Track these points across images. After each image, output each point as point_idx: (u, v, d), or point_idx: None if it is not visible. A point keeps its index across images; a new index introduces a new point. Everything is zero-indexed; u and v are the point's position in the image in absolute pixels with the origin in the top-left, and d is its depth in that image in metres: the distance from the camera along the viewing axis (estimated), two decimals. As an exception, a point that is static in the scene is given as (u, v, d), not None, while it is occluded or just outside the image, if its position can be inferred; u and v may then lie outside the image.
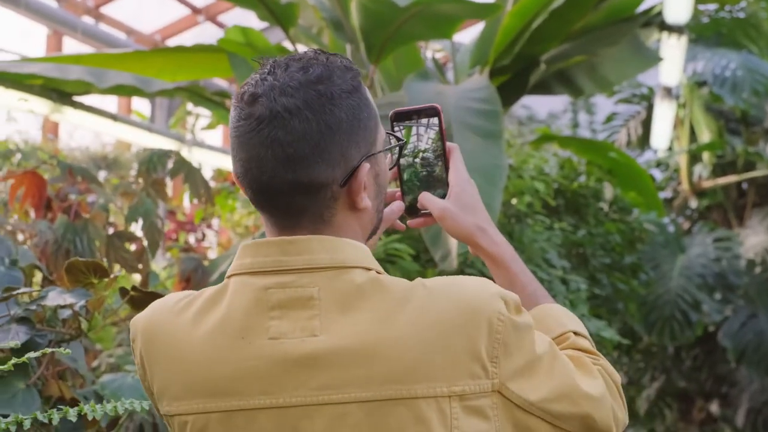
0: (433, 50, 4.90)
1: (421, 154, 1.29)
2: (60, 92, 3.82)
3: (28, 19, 5.12)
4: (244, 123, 1.08)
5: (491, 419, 1.08)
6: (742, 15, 5.96)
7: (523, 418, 1.10)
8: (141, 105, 6.89)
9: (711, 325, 6.00)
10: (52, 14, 5.17)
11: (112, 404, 1.34)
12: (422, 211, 1.31)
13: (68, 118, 4.07)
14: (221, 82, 6.00)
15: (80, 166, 2.72)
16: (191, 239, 4.80)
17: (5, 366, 1.17)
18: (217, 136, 7.34)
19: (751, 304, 5.85)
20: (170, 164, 3.10)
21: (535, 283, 1.30)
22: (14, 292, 1.64)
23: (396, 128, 1.29)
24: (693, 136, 6.65)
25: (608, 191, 4.69)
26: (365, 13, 3.43)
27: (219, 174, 5.64)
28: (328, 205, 1.11)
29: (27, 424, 1.21)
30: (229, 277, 1.13)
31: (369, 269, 1.10)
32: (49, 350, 1.27)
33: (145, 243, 2.67)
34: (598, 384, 1.15)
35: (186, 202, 5.46)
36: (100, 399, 1.79)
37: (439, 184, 1.29)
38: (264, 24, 4.82)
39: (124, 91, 3.87)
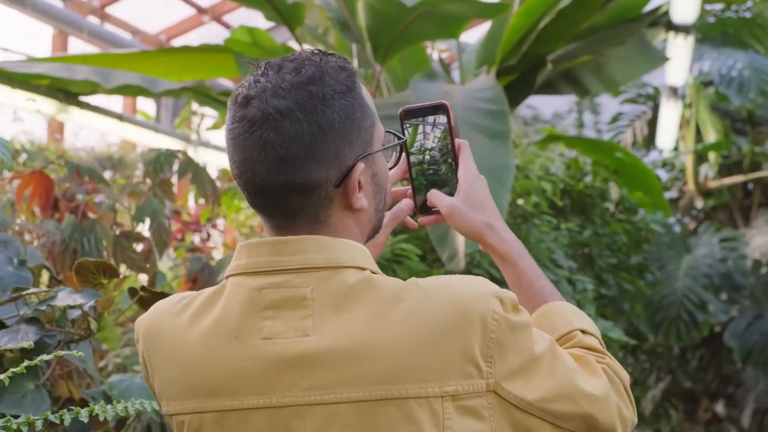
0: (438, 50, 4.89)
1: (430, 152, 1.29)
2: (66, 92, 3.83)
3: (33, 19, 5.13)
4: (237, 125, 1.08)
5: (487, 419, 1.07)
6: (748, 15, 5.94)
7: (521, 418, 1.09)
8: (146, 105, 6.89)
9: (717, 326, 5.99)
10: (57, 14, 5.17)
11: (123, 404, 1.34)
12: (433, 209, 1.30)
13: (74, 118, 4.08)
14: (226, 82, 6.01)
15: (88, 166, 2.72)
16: (196, 239, 4.80)
17: (18, 368, 1.17)
18: (223, 136, 7.34)
19: (758, 305, 5.84)
20: (176, 164, 3.10)
21: (543, 281, 1.28)
22: (24, 293, 1.64)
23: (405, 126, 1.28)
24: (699, 136, 6.64)
25: (614, 191, 4.68)
26: (372, 13, 3.43)
27: (224, 174, 5.63)
28: (323, 206, 1.11)
29: (39, 424, 1.21)
30: (227, 277, 1.14)
31: (363, 269, 1.10)
32: (61, 353, 1.27)
33: (153, 243, 2.67)
34: (600, 383, 1.13)
35: (191, 202, 5.46)
36: (108, 399, 1.79)
37: (448, 182, 1.29)
38: (269, 24, 4.82)
39: (130, 91, 3.87)
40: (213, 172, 3.24)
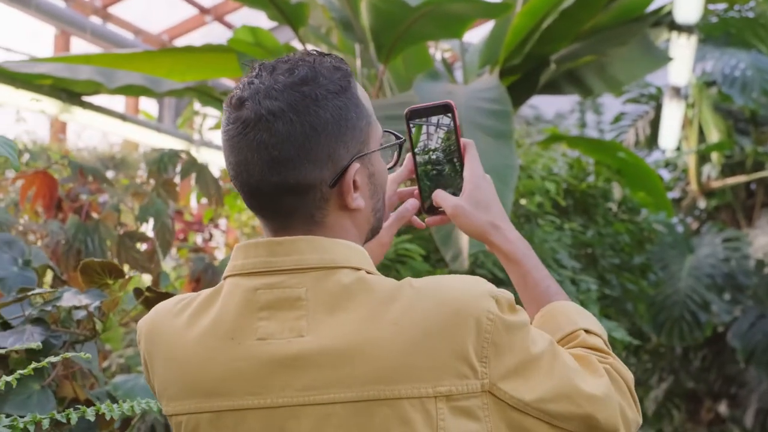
0: (441, 50, 4.89)
1: (436, 152, 1.28)
2: (69, 92, 3.83)
3: (36, 19, 5.12)
4: (232, 127, 1.08)
5: (482, 420, 1.06)
6: (751, 15, 5.93)
7: (518, 419, 1.08)
8: (148, 105, 6.89)
9: (720, 326, 5.98)
10: (60, 14, 5.16)
11: (129, 404, 1.34)
12: (439, 209, 1.30)
13: (77, 118, 4.07)
14: (229, 82, 6.00)
15: (92, 167, 2.72)
16: (198, 239, 4.80)
17: (26, 370, 1.17)
18: (225, 136, 7.32)
19: (761, 305, 5.83)
20: (179, 165, 3.10)
21: (548, 280, 1.28)
22: (29, 293, 1.64)
23: (411, 126, 1.28)
24: (702, 136, 6.63)
25: (616, 191, 4.68)
26: (376, 13, 3.43)
27: (226, 174, 5.63)
28: (318, 206, 1.11)
29: (46, 423, 1.21)
30: (224, 278, 1.14)
31: (358, 269, 1.10)
32: (69, 354, 1.27)
33: (157, 243, 2.67)
34: (602, 383, 1.12)
35: (193, 202, 5.46)
36: (112, 400, 1.79)
37: (454, 181, 1.28)
38: (272, 24, 4.82)
39: (133, 91, 3.87)
40: (215, 172, 3.24)
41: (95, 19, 6.05)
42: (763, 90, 5.76)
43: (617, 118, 7.30)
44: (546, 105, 8.01)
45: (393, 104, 3.42)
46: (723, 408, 6.29)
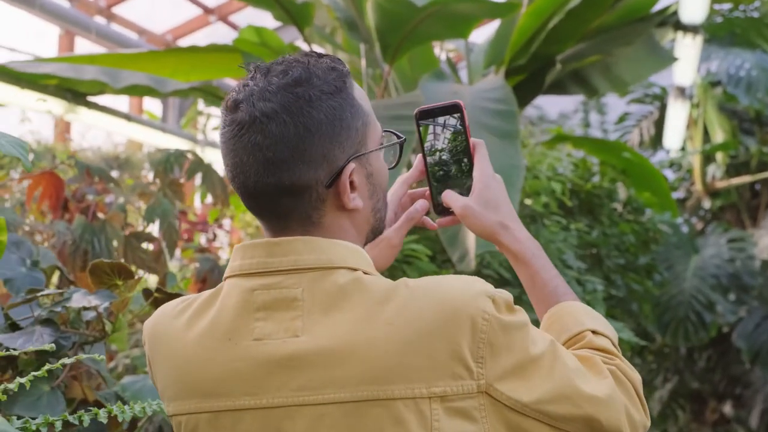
0: (446, 50, 4.88)
1: (446, 152, 1.28)
2: (74, 92, 3.83)
3: (40, 19, 5.12)
4: (228, 129, 1.09)
5: (479, 421, 1.05)
6: (756, 15, 5.92)
7: (516, 420, 1.07)
8: (152, 105, 6.89)
9: (725, 326, 5.98)
10: (64, 14, 5.15)
11: (140, 405, 1.33)
12: (449, 210, 1.30)
13: (82, 118, 4.07)
14: (233, 82, 6.00)
15: (98, 167, 2.71)
16: (202, 239, 4.80)
17: (40, 372, 1.16)
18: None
19: (766, 305, 5.83)
20: (185, 165, 3.09)
21: (557, 280, 1.27)
22: (38, 294, 1.63)
23: (420, 126, 1.28)
24: (706, 136, 6.62)
25: (621, 191, 4.67)
26: (381, 13, 3.42)
27: (231, 174, 5.61)
28: (315, 207, 1.11)
29: (59, 425, 1.20)
30: (225, 279, 1.14)
31: (355, 269, 1.10)
32: (83, 356, 1.26)
33: (163, 244, 2.66)
34: (605, 385, 1.11)
35: (197, 202, 5.45)
36: (121, 401, 1.78)
37: (464, 181, 1.28)
38: (276, 23, 4.82)
39: (138, 91, 3.87)
40: (220, 172, 3.25)
41: (99, 19, 6.05)
42: (768, 90, 5.76)
43: (621, 118, 7.29)
44: (549, 105, 8.00)
45: (398, 104, 3.42)
46: (728, 408, 6.28)
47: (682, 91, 5.84)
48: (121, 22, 6.35)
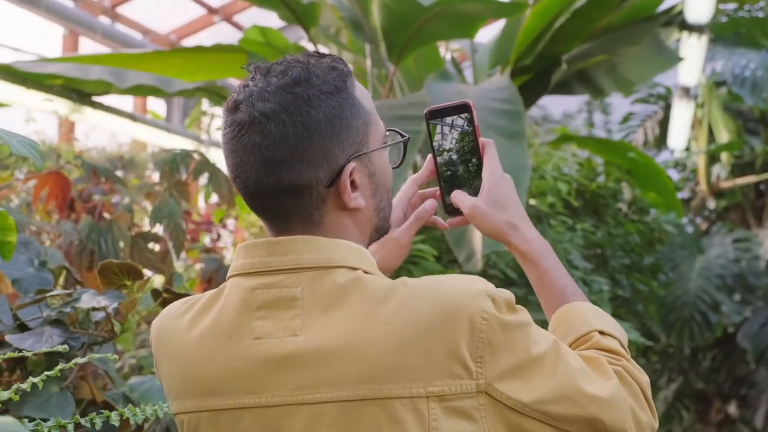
0: (451, 50, 4.87)
1: (456, 152, 1.28)
2: (79, 92, 3.82)
3: (44, 19, 5.12)
4: (228, 130, 1.10)
5: (478, 421, 1.05)
6: (761, 14, 5.91)
7: (516, 420, 1.06)
8: (156, 105, 6.89)
9: (730, 326, 5.96)
10: (68, 14, 5.16)
11: (152, 408, 1.33)
12: (459, 210, 1.29)
13: (87, 118, 4.07)
14: (237, 83, 6.00)
15: (105, 167, 2.71)
16: (206, 239, 4.80)
17: (53, 372, 1.16)
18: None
19: (771, 305, 5.82)
20: (191, 165, 3.09)
21: (565, 280, 1.26)
22: (47, 294, 1.63)
23: (430, 126, 1.28)
24: (711, 136, 6.61)
25: (626, 191, 4.67)
26: (387, 13, 3.42)
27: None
28: (316, 206, 1.11)
29: (71, 428, 1.20)
30: (228, 278, 1.15)
31: (355, 269, 1.09)
32: (97, 356, 1.26)
33: (170, 244, 2.66)
34: (610, 385, 1.10)
35: (201, 202, 5.45)
36: (128, 401, 1.78)
37: (474, 181, 1.27)
38: (280, 23, 4.81)
39: (144, 91, 3.87)
40: (226, 172, 3.25)
41: (104, 19, 6.05)
42: (773, 90, 5.74)
43: (626, 118, 7.28)
44: (553, 105, 7.99)
45: (404, 104, 3.42)
46: (733, 409, 6.27)
47: (687, 91, 5.83)
48: (125, 22, 6.35)
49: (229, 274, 1.15)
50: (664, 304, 5.60)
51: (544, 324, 1.21)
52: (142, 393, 1.80)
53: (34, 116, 4.49)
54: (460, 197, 1.27)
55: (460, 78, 4.28)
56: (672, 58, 4.47)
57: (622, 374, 1.13)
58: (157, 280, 3.27)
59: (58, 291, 1.66)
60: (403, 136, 1.22)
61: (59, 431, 1.17)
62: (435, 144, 1.28)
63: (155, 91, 3.84)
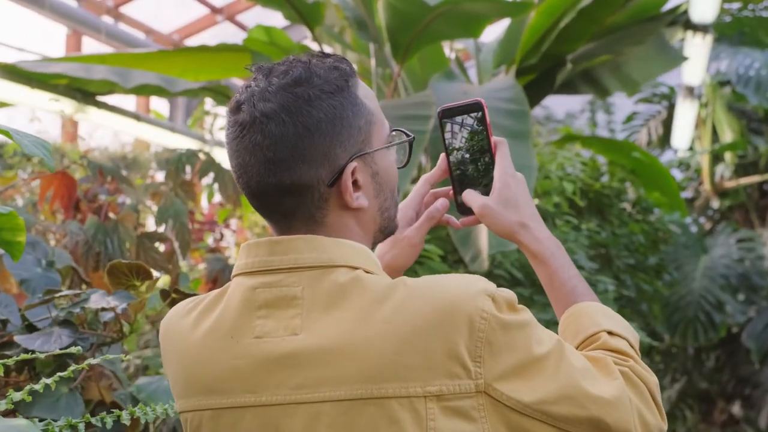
0: (455, 50, 4.87)
1: (468, 151, 1.27)
2: (84, 92, 3.82)
3: (48, 19, 5.12)
4: (231, 130, 1.10)
5: (477, 421, 1.04)
6: (765, 14, 5.90)
7: (518, 421, 1.05)
8: (159, 105, 6.88)
9: (734, 326, 5.96)
10: (72, 14, 5.16)
11: (161, 406, 1.33)
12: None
13: (91, 117, 4.07)
14: (239, 82, 5.99)
15: (111, 167, 2.70)
16: (209, 239, 4.80)
17: (65, 372, 1.16)
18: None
19: (775, 305, 5.81)
20: (197, 165, 3.09)
21: (575, 280, 1.25)
22: (57, 295, 1.62)
23: (444, 125, 1.27)
24: (715, 135, 6.60)
25: (630, 191, 4.66)
26: (392, 12, 3.41)
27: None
28: (318, 206, 1.11)
29: (81, 427, 1.19)
30: (232, 277, 1.15)
31: (355, 268, 1.09)
32: (110, 356, 1.25)
33: (176, 244, 2.66)
34: (614, 386, 1.09)
35: (204, 202, 5.45)
36: (136, 401, 1.77)
37: (486, 180, 1.27)
38: (284, 22, 4.81)
39: (148, 90, 3.87)
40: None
41: (107, 19, 6.04)
42: (778, 89, 5.74)
43: (629, 118, 7.28)
44: (556, 105, 7.98)
45: (409, 104, 3.42)
46: (737, 409, 6.26)
47: (690, 91, 5.82)
48: (129, 22, 6.34)
49: (233, 273, 1.15)
50: (669, 304, 5.60)
51: (548, 324, 1.20)
52: (149, 393, 1.79)
53: (38, 116, 4.48)
54: (471, 196, 1.27)
55: (464, 78, 4.27)
56: (677, 58, 4.47)
57: (629, 375, 1.12)
58: (162, 281, 3.26)
59: (67, 291, 1.66)
60: (408, 135, 1.21)
61: (70, 431, 1.16)
62: (447, 143, 1.28)
63: (160, 91, 3.84)
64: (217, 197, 4.49)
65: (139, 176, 4.59)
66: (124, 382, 1.89)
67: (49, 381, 1.14)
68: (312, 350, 1.05)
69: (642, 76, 4.42)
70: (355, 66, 1.17)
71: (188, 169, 3.15)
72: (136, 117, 4.35)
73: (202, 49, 4.09)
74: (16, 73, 3.63)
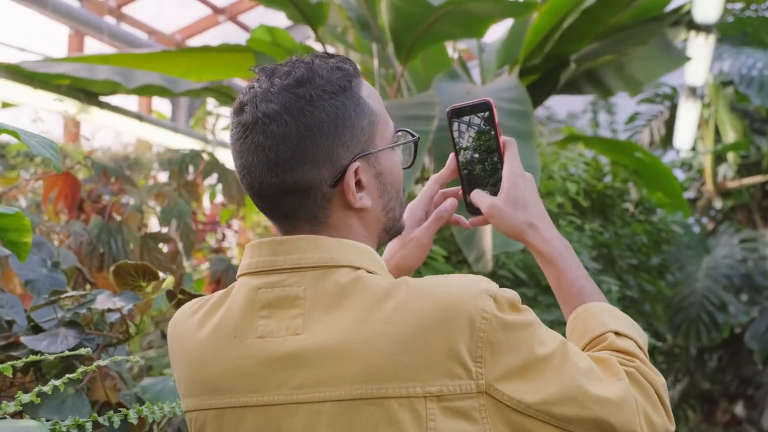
0: (458, 50, 4.86)
1: (477, 150, 1.27)
2: (87, 92, 3.82)
3: (50, 19, 5.12)
4: (234, 131, 1.11)
5: (478, 421, 1.03)
6: (768, 14, 5.90)
7: (519, 421, 1.05)
8: (161, 105, 6.88)
9: (737, 327, 5.95)
10: (74, 14, 5.16)
11: (169, 405, 1.33)
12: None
13: (94, 118, 4.07)
14: (243, 83, 5.99)
15: (114, 167, 2.70)
16: (212, 240, 4.80)
17: (74, 375, 1.16)
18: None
19: (778, 306, 5.81)
20: (201, 165, 3.08)
21: (583, 280, 1.24)
22: (63, 296, 1.62)
23: (453, 125, 1.27)
24: (717, 136, 6.60)
25: (632, 191, 4.66)
26: (396, 12, 3.41)
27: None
28: (321, 206, 1.11)
29: (89, 427, 1.19)
30: (237, 277, 1.16)
31: (358, 268, 1.09)
32: (119, 358, 1.25)
33: (180, 244, 2.65)
34: (619, 387, 1.08)
35: (206, 202, 5.45)
36: (141, 402, 1.77)
37: (495, 180, 1.27)
38: (287, 22, 4.81)
39: (151, 91, 3.87)
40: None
41: (109, 19, 6.04)
42: (781, 90, 5.73)
43: (631, 118, 7.27)
44: (558, 105, 7.98)
45: (412, 105, 3.41)
46: (739, 409, 6.26)
47: (693, 91, 5.82)
48: (131, 22, 6.34)
49: (238, 273, 1.16)
50: (671, 305, 5.60)
51: (552, 324, 1.19)
52: (154, 394, 1.79)
53: (41, 116, 4.48)
54: (479, 197, 1.27)
55: (467, 78, 4.27)
56: (680, 58, 4.47)
57: (635, 375, 1.12)
58: (166, 282, 3.26)
59: (73, 292, 1.65)
60: (413, 135, 1.21)
61: (77, 431, 1.16)
62: (456, 142, 1.28)
63: (163, 91, 3.84)
64: (219, 197, 4.49)
65: (142, 177, 4.59)
66: (129, 383, 1.88)
67: (58, 383, 1.14)
68: (313, 350, 1.05)
69: (645, 76, 4.42)
70: (358, 66, 1.16)
71: (191, 169, 3.14)
72: (139, 117, 4.35)
73: (205, 49, 4.09)
74: (18, 74, 3.62)
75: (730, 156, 6.52)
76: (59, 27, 5.58)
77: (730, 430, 6.28)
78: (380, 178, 1.15)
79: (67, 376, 1.14)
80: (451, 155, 1.30)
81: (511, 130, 3.10)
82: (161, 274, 2.57)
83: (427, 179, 3.84)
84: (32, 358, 1.25)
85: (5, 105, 3.86)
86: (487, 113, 1.26)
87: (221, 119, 6.13)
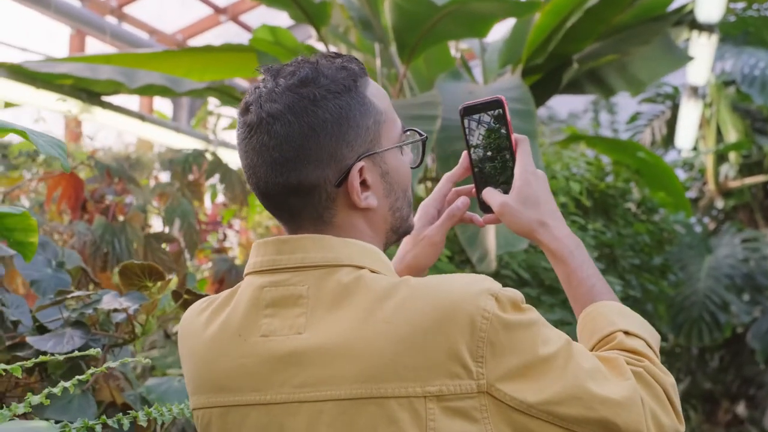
0: (460, 50, 4.86)
1: (489, 148, 1.27)
2: (89, 92, 3.81)
3: (51, 19, 5.11)
4: (240, 132, 1.12)
5: (480, 421, 1.03)
6: (770, 14, 5.90)
7: (522, 421, 1.04)
8: (162, 105, 6.87)
9: (739, 327, 5.95)
10: (76, 14, 5.14)
11: (177, 406, 1.33)
12: None
13: (97, 118, 4.06)
14: (244, 83, 5.99)
15: (118, 168, 2.70)
16: (213, 240, 4.79)
17: (84, 376, 1.15)
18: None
19: (780, 306, 5.81)
20: (204, 165, 3.08)
21: (593, 279, 1.23)
22: (69, 296, 1.62)
23: (466, 123, 1.27)
24: (719, 135, 6.60)
25: (634, 191, 4.66)
26: (399, 12, 3.41)
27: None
28: (326, 206, 1.11)
29: (99, 429, 1.19)
30: (244, 276, 1.16)
31: (360, 267, 1.09)
32: (129, 359, 1.25)
33: (183, 244, 2.65)
34: (625, 387, 1.07)
35: (207, 202, 5.44)
36: (145, 402, 1.77)
37: (507, 178, 1.27)
38: (289, 22, 4.80)
39: (154, 90, 3.86)
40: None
41: (111, 19, 6.03)
42: (783, 89, 5.73)
43: (633, 118, 7.27)
44: (559, 105, 7.98)
45: (415, 104, 3.41)
46: (741, 409, 6.25)
47: (695, 91, 5.82)
48: (132, 22, 6.33)
49: (245, 272, 1.16)
50: (673, 304, 5.59)
51: (556, 324, 1.19)
52: (159, 394, 1.79)
53: (43, 116, 4.47)
54: (490, 195, 1.26)
55: (469, 77, 4.27)
56: (682, 58, 4.46)
57: (642, 375, 1.11)
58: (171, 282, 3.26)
59: (79, 292, 1.65)
60: (421, 135, 1.21)
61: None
62: (469, 140, 1.27)
63: (165, 91, 3.83)
64: (220, 197, 4.49)
65: (143, 176, 4.59)
66: (134, 383, 1.88)
67: (67, 384, 1.13)
68: (315, 349, 1.05)
69: (648, 76, 4.41)
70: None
71: (194, 169, 3.14)
72: (141, 117, 4.34)
73: (208, 49, 4.09)
74: (21, 73, 3.61)
75: (732, 156, 6.52)
76: (60, 27, 5.57)
77: (731, 430, 6.28)
78: (386, 177, 1.15)
79: (77, 377, 1.13)
80: (464, 153, 1.30)
81: (515, 130, 3.10)
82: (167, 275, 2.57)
83: (430, 179, 3.85)
84: (42, 358, 1.24)
85: (8, 105, 3.85)
86: (498, 111, 1.26)
87: (222, 119, 6.13)
